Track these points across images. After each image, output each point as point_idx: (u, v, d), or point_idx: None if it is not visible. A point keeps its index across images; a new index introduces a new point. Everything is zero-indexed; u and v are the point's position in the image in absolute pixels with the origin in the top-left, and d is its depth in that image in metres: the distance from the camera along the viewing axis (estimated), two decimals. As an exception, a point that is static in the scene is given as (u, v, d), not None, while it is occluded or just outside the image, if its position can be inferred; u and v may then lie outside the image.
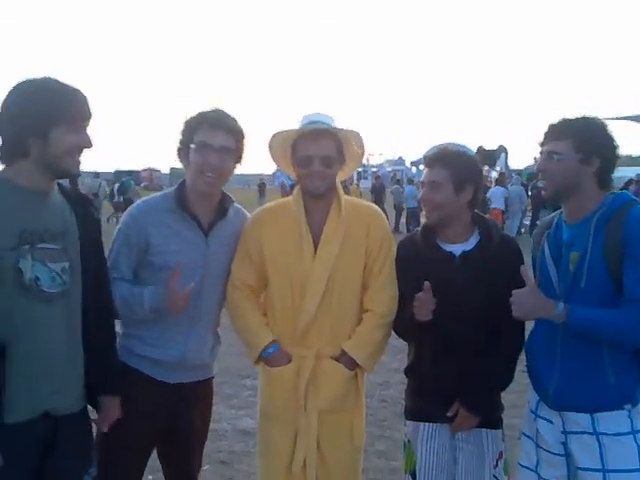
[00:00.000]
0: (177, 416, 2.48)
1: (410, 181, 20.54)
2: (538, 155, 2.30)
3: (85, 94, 1.98)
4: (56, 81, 1.94)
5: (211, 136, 2.37)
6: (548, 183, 2.21)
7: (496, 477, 2.41)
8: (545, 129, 2.24)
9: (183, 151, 2.46)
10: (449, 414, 2.38)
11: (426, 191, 2.42)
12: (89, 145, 1.97)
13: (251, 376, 5.03)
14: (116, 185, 23.98)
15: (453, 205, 2.40)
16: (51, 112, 1.87)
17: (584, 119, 2.20)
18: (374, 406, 4.84)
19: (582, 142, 2.14)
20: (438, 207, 2.40)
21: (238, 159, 2.50)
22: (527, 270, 2.21)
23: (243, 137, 2.48)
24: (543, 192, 2.26)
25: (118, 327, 2.51)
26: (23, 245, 1.87)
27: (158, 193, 2.61)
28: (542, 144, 2.25)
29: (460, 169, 2.40)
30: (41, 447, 1.95)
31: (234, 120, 2.46)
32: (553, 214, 2.38)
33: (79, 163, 1.98)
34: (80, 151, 1.97)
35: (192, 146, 2.40)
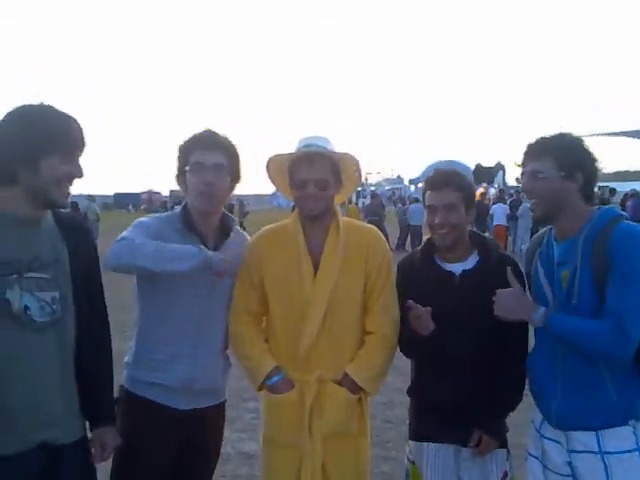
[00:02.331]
0: (190, 444, 2.46)
1: (415, 200, 20.57)
2: (519, 176, 2.32)
3: (80, 124, 1.96)
4: (52, 109, 1.92)
5: (204, 156, 2.41)
6: (536, 203, 2.21)
7: None
8: (524, 149, 2.26)
9: (181, 176, 2.49)
10: (470, 445, 2.38)
11: (442, 214, 2.40)
12: (80, 175, 1.95)
13: (253, 399, 4.99)
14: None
15: (465, 226, 2.45)
16: (44, 141, 1.85)
17: (560, 136, 2.22)
18: (378, 427, 4.81)
19: (563, 159, 2.16)
20: (455, 228, 2.41)
21: (235, 177, 2.52)
22: (510, 274, 2.24)
23: (236, 153, 2.51)
24: (533, 212, 2.25)
25: (126, 357, 2.51)
26: (10, 275, 1.84)
27: (162, 213, 2.62)
28: (522, 165, 2.25)
29: (469, 190, 2.48)
30: (39, 479, 1.91)
31: (225, 138, 2.49)
32: (543, 231, 2.39)
33: (68, 194, 1.95)
34: (70, 181, 1.94)
35: (187, 169, 2.43)
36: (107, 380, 2.21)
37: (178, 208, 2.55)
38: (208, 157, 2.40)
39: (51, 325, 1.92)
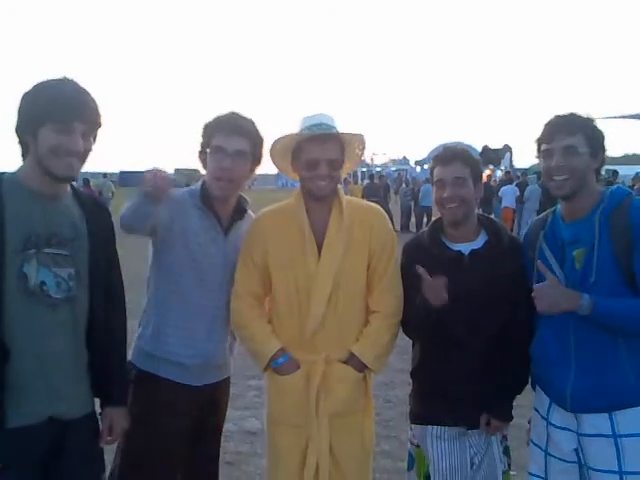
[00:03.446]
0: (203, 418, 2.51)
1: (427, 180, 20.52)
2: (539, 154, 2.27)
3: (86, 96, 1.94)
4: (63, 82, 1.92)
5: (226, 141, 2.42)
6: (566, 180, 2.17)
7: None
8: (550, 124, 2.22)
9: (202, 154, 2.51)
10: (481, 427, 2.40)
11: (452, 187, 2.39)
12: (75, 149, 1.90)
13: (256, 376, 5.03)
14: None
15: (474, 200, 2.44)
16: (40, 111, 1.87)
17: (583, 115, 2.22)
18: (379, 406, 4.84)
19: (591, 137, 2.17)
20: (464, 202, 2.40)
21: (256, 162, 2.53)
22: (542, 266, 2.19)
23: (261, 140, 2.52)
24: (559, 190, 2.19)
25: (139, 330, 2.52)
26: (28, 249, 1.86)
27: (183, 189, 2.61)
28: (549, 139, 2.21)
29: (476, 166, 2.47)
30: (47, 453, 1.94)
31: (251, 123, 2.49)
32: (543, 214, 2.38)
33: (70, 167, 1.90)
34: (71, 154, 1.90)
35: (208, 150, 2.45)
36: (120, 360, 2.23)
37: (196, 185, 2.55)
38: (231, 142, 2.41)
39: (66, 301, 1.95)
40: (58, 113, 1.86)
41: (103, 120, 2.00)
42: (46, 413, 1.92)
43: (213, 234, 2.49)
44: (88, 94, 1.95)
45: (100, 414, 2.17)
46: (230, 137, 2.42)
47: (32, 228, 1.88)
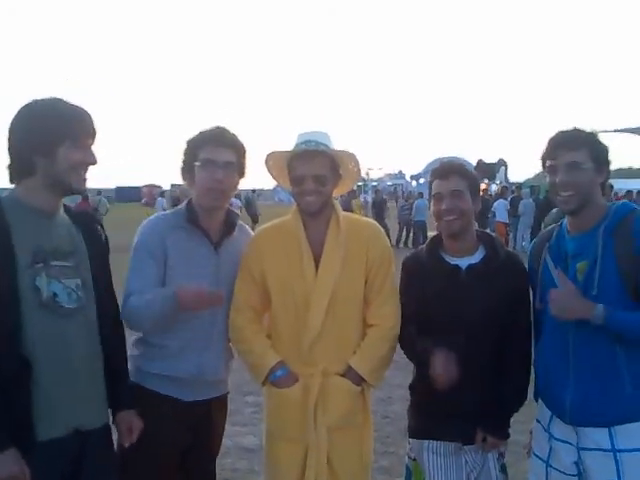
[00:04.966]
0: (197, 435, 2.50)
1: (420, 195, 20.59)
2: (543, 168, 2.28)
3: (89, 112, 2.05)
4: (62, 101, 2.01)
5: (215, 153, 2.45)
6: (572, 196, 2.18)
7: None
8: (554, 140, 2.23)
9: (187, 171, 2.52)
10: (477, 444, 2.39)
11: (450, 200, 2.41)
12: (94, 162, 2.04)
13: (253, 392, 5.03)
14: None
15: (471, 214, 2.45)
16: (58, 130, 1.94)
17: (587, 130, 2.23)
18: (377, 422, 4.79)
19: (596, 152, 2.18)
20: (462, 214, 2.41)
21: (241, 173, 2.57)
22: (561, 273, 2.19)
23: (244, 151, 2.57)
24: (565, 205, 2.20)
25: (131, 350, 2.52)
26: (37, 263, 1.92)
27: (167, 211, 2.69)
28: (553, 156, 2.21)
29: (474, 180, 2.50)
30: (71, 465, 1.98)
31: (234, 136, 2.54)
32: (551, 227, 2.39)
33: (85, 180, 2.04)
34: (85, 168, 2.03)
35: (197, 164, 2.46)
36: (124, 366, 2.30)
37: (181, 205, 2.58)
38: (219, 155, 2.45)
39: (78, 311, 2.01)
40: (79, 132, 1.99)
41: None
42: (72, 424, 1.96)
43: (203, 251, 2.49)
44: (85, 109, 2.05)
45: (113, 422, 2.21)
46: (218, 149, 2.45)
47: (38, 243, 1.94)
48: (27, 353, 1.86)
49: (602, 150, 2.21)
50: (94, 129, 2.05)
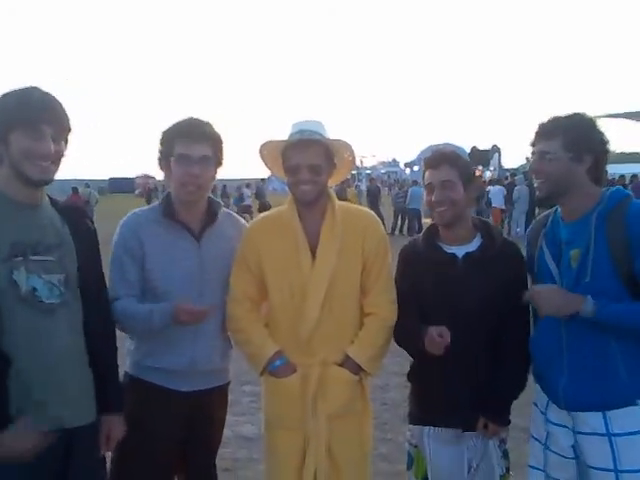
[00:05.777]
0: (195, 425, 2.50)
1: (414, 182, 20.56)
2: (530, 155, 2.31)
3: (54, 101, 1.96)
4: (33, 89, 1.94)
5: (190, 148, 2.41)
6: (542, 183, 2.23)
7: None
8: (535, 128, 2.26)
9: (164, 163, 2.50)
10: (478, 430, 2.39)
11: (440, 191, 2.41)
12: (45, 152, 1.91)
13: (251, 382, 5.03)
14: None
15: (464, 202, 2.44)
16: (11, 116, 1.88)
17: (573, 116, 2.22)
18: (375, 409, 4.77)
19: (572, 140, 2.16)
20: (453, 205, 2.41)
21: (219, 164, 2.55)
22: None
23: (221, 142, 2.53)
24: (538, 191, 2.27)
25: (128, 343, 2.53)
26: (15, 257, 1.87)
27: (145, 207, 2.67)
28: (533, 144, 2.26)
29: (465, 168, 2.48)
30: (57, 463, 1.95)
31: (210, 126, 2.50)
32: (547, 212, 2.40)
33: (44, 170, 1.92)
34: (41, 158, 1.91)
35: (172, 159, 2.44)
36: (113, 365, 2.23)
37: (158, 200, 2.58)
38: (194, 149, 2.41)
39: (61, 306, 1.96)
40: (27, 117, 1.89)
41: (72, 124, 2.01)
42: (55, 421, 1.93)
43: (182, 244, 2.48)
44: (55, 99, 1.97)
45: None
46: (193, 144, 2.42)
47: (16, 236, 1.90)
48: (6, 347, 1.83)
49: (582, 137, 2.17)
50: (60, 119, 1.95)
